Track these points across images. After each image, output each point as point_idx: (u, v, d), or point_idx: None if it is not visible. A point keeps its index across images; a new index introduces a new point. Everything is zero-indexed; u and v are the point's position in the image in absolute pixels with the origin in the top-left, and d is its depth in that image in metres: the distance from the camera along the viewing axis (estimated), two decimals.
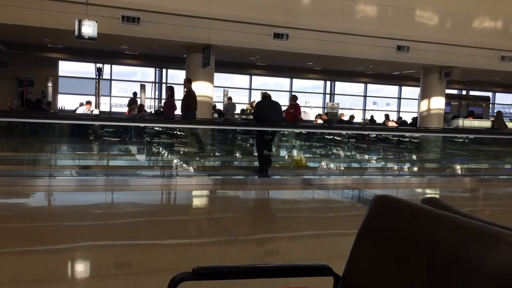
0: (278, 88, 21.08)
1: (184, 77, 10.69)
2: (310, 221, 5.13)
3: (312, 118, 18.02)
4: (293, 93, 11.77)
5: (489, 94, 23.12)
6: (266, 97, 8.33)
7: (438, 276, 1.09)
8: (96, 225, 4.42)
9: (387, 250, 1.26)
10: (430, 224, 1.17)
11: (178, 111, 10.41)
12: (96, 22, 9.47)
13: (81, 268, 3.34)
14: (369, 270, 1.29)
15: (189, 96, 9.79)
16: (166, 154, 8.83)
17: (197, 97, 10.03)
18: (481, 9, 14.75)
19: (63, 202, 5.74)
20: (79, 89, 17.61)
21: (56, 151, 8.30)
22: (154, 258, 3.39)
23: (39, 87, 16.46)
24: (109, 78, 18.06)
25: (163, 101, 19.38)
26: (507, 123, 16.13)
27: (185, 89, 10.03)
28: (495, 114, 17.74)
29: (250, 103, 15.86)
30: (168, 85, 12.45)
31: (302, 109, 13.88)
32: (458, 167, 9.96)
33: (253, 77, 20.09)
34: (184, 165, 8.17)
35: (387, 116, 16.62)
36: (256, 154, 8.08)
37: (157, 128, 8.61)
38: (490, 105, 22.36)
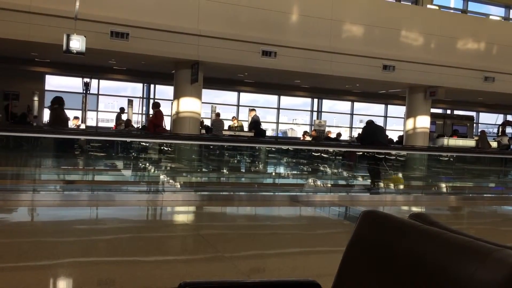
0: (267, 105, 21.19)
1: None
2: (297, 238, 5.11)
3: (299, 135, 18.08)
4: (155, 100, 10.97)
5: (473, 113, 23.53)
6: (370, 122, 9.30)
7: None
8: (80, 241, 4.34)
9: (375, 265, 1.25)
10: (418, 239, 1.18)
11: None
12: (85, 36, 9.45)
13: (63, 285, 3.27)
14: (357, 286, 1.28)
15: None
16: (153, 169, 8.75)
17: (185, 113, 9.74)
18: (465, 31, 15.11)
19: (47, 218, 5.64)
20: (66, 103, 17.36)
21: (40, 166, 8.18)
22: (139, 275, 3.33)
23: (25, 101, 16.27)
24: (96, 93, 17.96)
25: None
26: (490, 143, 16.41)
27: None
28: (479, 134, 18.02)
29: (232, 119, 15.88)
30: None
31: (289, 126, 13.73)
32: (443, 185, 10.05)
33: (241, 93, 20.17)
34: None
35: None
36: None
37: (143, 143, 8.54)
38: (474, 124, 22.73)
